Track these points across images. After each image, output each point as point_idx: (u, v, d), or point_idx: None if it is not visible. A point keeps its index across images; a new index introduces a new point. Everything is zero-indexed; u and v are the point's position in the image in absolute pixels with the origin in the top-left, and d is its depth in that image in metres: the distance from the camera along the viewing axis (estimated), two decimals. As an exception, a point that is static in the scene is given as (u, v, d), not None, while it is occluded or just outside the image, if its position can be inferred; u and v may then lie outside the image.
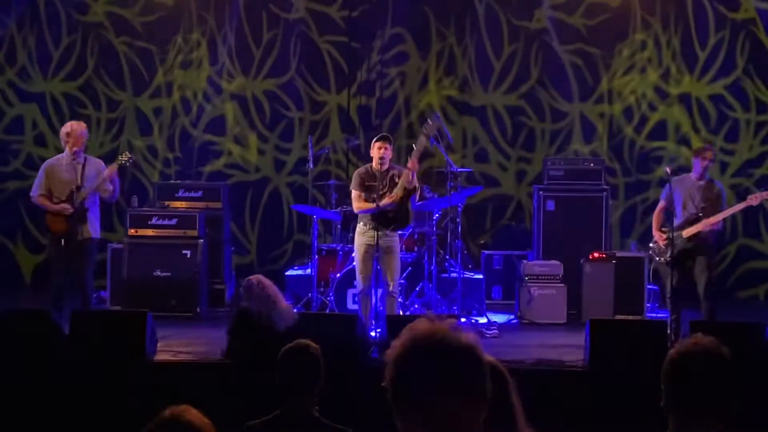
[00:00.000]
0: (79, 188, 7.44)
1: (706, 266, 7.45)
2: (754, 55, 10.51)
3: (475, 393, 1.78)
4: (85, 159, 7.62)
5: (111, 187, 7.57)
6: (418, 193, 7.66)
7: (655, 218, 7.81)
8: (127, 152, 7.95)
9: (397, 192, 7.38)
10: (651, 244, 7.81)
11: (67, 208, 7.40)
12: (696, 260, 7.45)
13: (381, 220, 7.35)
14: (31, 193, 7.73)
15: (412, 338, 1.80)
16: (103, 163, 7.74)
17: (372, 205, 7.39)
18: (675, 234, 7.36)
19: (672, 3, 10.58)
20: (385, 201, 7.34)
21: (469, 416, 1.77)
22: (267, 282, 6.27)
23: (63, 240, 7.39)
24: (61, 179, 7.54)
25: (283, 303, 6.25)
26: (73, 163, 7.55)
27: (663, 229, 7.65)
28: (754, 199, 7.56)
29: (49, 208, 7.51)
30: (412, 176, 7.40)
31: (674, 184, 7.62)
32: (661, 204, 7.80)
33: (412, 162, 7.40)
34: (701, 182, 7.62)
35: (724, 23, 10.54)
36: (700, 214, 7.47)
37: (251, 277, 6.46)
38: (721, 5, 10.54)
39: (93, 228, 7.55)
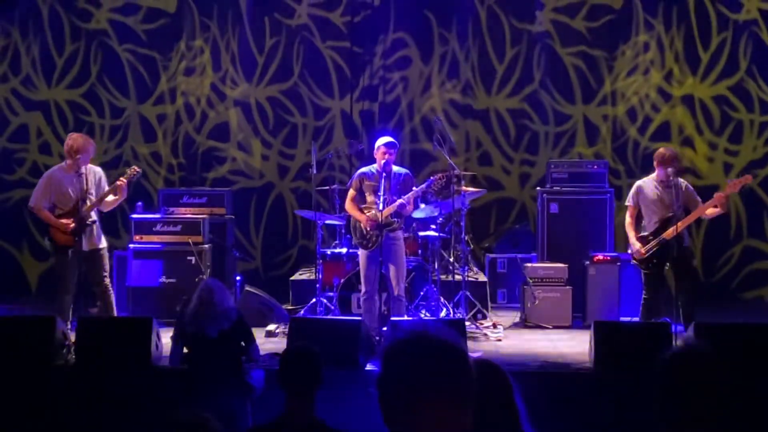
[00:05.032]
0: (85, 200, 7.35)
1: (687, 270, 7.34)
2: (756, 55, 10.51)
3: (461, 394, 1.79)
4: (86, 168, 7.48)
5: (113, 200, 7.53)
6: (411, 207, 7.64)
7: (630, 226, 7.68)
8: (135, 166, 7.89)
9: (386, 211, 7.44)
10: (631, 252, 7.68)
11: (68, 223, 7.32)
12: (678, 265, 7.32)
13: (364, 236, 7.52)
14: (30, 203, 7.55)
15: (398, 343, 1.83)
16: (101, 171, 7.71)
17: (358, 214, 7.53)
18: (656, 240, 7.37)
19: (674, 4, 10.58)
20: (369, 219, 7.43)
21: (456, 418, 1.79)
22: (213, 285, 5.77)
23: (70, 252, 7.33)
24: (66, 191, 7.45)
25: (221, 307, 5.61)
26: (78, 174, 7.40)
27: (646, 235, 7.55)
28: (732, 187, 7.40)
29: (51, 221, 7.38)
30: (400, 208, 7.47)
31: (640, 188, 7.64)
32: (631, 210, 7.70)
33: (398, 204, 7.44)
34: (668, 184, 7.48)
35: (726, 24, 10.53)
36: (679, 213, 7.36)
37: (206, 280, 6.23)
38: (723, 6, 10.54)
39: (99, 238, 7.56)
